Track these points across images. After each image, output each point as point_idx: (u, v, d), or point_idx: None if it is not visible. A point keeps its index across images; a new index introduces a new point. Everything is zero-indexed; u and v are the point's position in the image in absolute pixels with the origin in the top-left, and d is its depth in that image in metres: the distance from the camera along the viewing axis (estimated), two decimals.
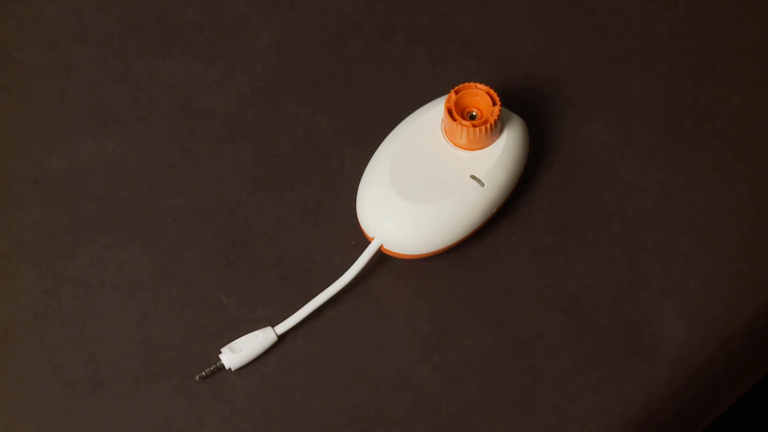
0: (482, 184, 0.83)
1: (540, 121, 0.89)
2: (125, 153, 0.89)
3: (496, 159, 0.84)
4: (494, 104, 0.83)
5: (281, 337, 0.83)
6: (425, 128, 0.85)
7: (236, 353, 0.81)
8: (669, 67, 0.91)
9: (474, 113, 0.84)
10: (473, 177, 0.83)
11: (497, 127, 0.84)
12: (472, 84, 0.84)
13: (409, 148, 0.84)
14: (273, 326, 0.82)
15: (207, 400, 0.81)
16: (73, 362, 0.82)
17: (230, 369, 0.82)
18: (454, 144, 0.84)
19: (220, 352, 0.81)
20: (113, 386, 0.81)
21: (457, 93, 0.84)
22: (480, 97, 0.84)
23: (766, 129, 0.89)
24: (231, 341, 0.82)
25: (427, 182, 0.83)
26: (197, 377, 0.81)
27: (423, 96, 0.88)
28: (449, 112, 0.83)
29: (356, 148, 0.88)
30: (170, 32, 0.93)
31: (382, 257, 0.85)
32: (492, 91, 0.84)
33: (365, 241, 0.84)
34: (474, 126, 0.82)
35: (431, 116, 0.85)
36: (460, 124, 0.83)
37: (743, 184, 0.87)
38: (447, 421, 0.80)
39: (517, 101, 0.89)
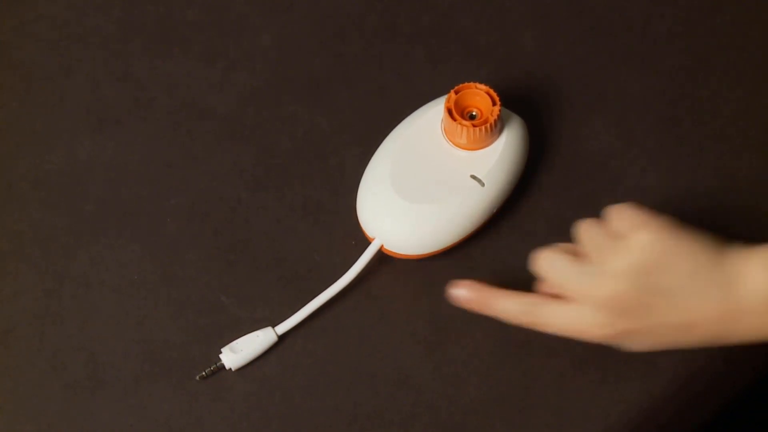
0: (482, 184, 0.83)
1: (540, 121, 0.89)
2: (125, 153, 0.89)
3: (496, 159, 0.84)
4: (494, 104, 0.83)
5: (281, 337, 0.82)
6: (425, 128, 0.85)
7: (236, 353, 0.81)
8: (669, 67, 0.91)
9: (474, 113, 0.84)
10: (473, 177, 0.83)
11: (497, 127, 0.84)
12: (472, 84, 0.84)
13: (409, 148, 0.84)
14: (273, 326, 0.82)
15: (207, 400, 0.81)
16: (73, 362, 0.82)
17: (230, 369, 0.82)
18: (454, 144, 0.84)
19: (221, 352, 0.81)
20: (113, 386, 0.81)
21: (457, 93, 0.84)
22: (480, 96, 0.84)
23: (766, 129, 0.89)
24: (231, 341, 0.82)
25: (427, 182, 0.83)
26: (197, 377, 0.81)
27: (423, 96, 0.88)
28: (449, 112, 0.83)
29: (356, 148, 0.88)
30: (170, 32, 0.93)
31: (382, 257, 0.84)
32: (492, 91, 0.84)
33: (365, 241, 0.84)
34: (474, 126, 0.82)
35: (431, 116, 0.85)
36: (460, 124, 0.83)
37: (743, 185, 0.87)
38: (447, 421, 0.80)
39: (517, 101, 0.89)
